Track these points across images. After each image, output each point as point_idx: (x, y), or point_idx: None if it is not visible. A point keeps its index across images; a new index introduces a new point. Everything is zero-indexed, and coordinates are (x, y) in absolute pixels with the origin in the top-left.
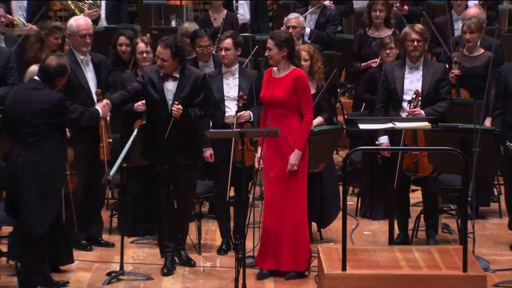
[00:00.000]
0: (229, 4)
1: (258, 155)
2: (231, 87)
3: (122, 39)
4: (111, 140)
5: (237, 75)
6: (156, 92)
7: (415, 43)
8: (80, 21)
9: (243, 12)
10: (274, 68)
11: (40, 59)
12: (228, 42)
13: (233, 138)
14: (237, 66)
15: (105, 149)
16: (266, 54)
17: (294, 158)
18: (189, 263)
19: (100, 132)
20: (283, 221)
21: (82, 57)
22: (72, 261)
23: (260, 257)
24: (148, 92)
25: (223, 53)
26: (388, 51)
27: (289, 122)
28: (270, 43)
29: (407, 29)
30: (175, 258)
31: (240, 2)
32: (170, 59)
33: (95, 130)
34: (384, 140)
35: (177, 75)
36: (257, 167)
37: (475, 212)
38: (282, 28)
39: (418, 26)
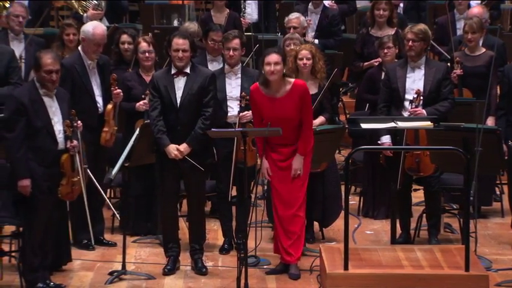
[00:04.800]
0: (236, 3)
1: (265, 165)
2: (233, 86)
3: (125, 37)
4: (116, 128)
5: (239, 75)
6: (168, 92)
7: (410, 43)
8: (98, 30)
9: (251, 12)
10: (262, 87)
11: (63, 56)
12: (236, 42)
13: (235, 138)
14: (239, 66)
15: (107, 134)
16: (272, 69)
17: (297, 163)
18: (201, 271)
19: (107, 117)
20: (289, 217)
21: (89, 62)
22: (71, 260)
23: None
24: (162, 95)
25: (231, 53)
26: (386, 51)
27: (299, 132)
28: (278, 58)
29: (407, 28)
30: (193, 264)
31: (247, 1)
32: (190, 49)
33: (96, 129)
34: (386, 139)
35: (188, 71)
36: (268, 178)
37: (477, 212)
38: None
39: (418, 27)
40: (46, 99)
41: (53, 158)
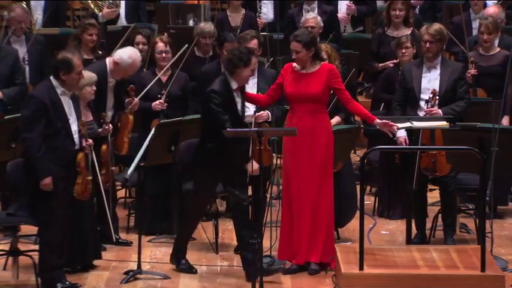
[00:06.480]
0: (252, 3)
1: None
2: (249, 86)
3: (139, 37)
4: (130, 136)
5: (256, 75)
6: (232, 106)
7: (428, 44)
8: (135, 64)
9: (266, 12)
10: (295, 64)
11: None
12: (254, 43)
13: (251, 138)
14: (256, 66)
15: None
16: (293, 56)
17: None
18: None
19: (129, 127)
20: (314, 215)
21: (111, 79)
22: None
23: (290, 252)
24: (227, 108)
25: None
26: (404, 51)
27: (322, 117)
28: (297, 46)
29: (423, 28)
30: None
31: (263, 1)
32: None
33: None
34: (401, 133)
35: None
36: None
37: (494, 212)
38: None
39: (433, 27)
40: (63, 99)
41: (70, 158)
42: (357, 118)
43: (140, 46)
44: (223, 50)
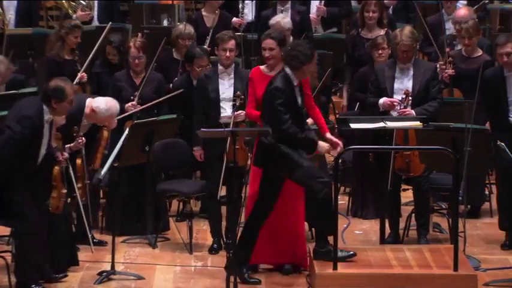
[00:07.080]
0: (232, 4)
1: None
2: (226, 87)
3: (109, 48)
4: (105, 152)
5: (232, 76)
6: (297, 103)
7: (404, 55)
8: (114, 116)
9: (247, 12)
10: (263, 67)
11: (62, 57)
12: (232, 43)
13: (229, 138)
14: (232, 66)
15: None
16: (267, 55)
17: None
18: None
19: (103, 143)
20: (284, 215)
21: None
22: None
23: (263, 253)
24: (291, 102)
25: (227, 54)
26: (380, 52)
27: None
28: (271, 43)
29: (398, 35)
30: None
31: (246, 1)
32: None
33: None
34: (382, 100)
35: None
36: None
37: (469, 211)
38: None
39: (406, 34)
40: (45, 126)
41: (28, 176)
42: (331, 118)
43: (111, 56)
44: (193, 66)
